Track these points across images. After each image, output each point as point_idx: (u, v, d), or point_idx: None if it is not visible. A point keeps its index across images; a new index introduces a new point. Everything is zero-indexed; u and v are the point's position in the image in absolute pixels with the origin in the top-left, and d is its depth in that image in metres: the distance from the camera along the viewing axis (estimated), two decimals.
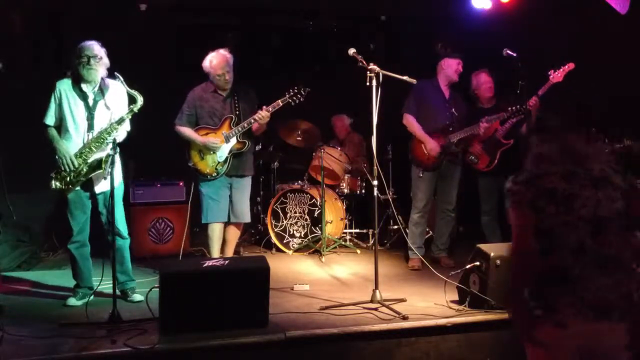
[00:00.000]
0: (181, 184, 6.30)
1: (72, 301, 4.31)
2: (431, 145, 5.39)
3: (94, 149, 4.22)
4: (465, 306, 3.98)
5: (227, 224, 5.16)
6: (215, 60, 4.96)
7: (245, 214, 5.20)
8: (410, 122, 5.50)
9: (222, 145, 4.99)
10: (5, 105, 5.63)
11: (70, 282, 4.55)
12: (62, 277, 5.08)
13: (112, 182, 3.90)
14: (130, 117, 4.27)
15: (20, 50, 5.98)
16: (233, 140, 5.01)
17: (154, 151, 6.43)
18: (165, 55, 6.85)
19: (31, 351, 3.27)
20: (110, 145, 4.07)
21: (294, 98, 4.94)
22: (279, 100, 4.94)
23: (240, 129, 4.96)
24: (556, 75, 5.12)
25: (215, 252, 5.12)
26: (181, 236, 6.07)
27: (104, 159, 4.17)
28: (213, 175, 5.01)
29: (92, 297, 4.33)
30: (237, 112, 5.04)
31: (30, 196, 5.88)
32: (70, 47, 6.35)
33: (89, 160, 4.23)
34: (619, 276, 2.20)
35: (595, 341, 2.20)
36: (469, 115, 5.54)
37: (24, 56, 6.03)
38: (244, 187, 5.17)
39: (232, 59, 5.01)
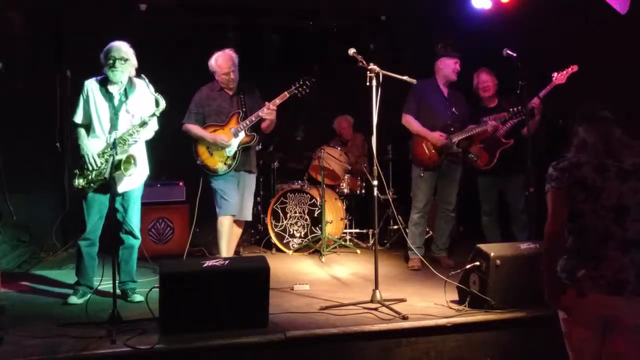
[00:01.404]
0: (181, 184, 6.30)
1: (73, 299, 4.32)
2: (435, 137, 5.37)
3: (119, 153, 4.20)
4: (465, 306, 3.98)
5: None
6: (221, 59, 5.04)
7: (247, 213, 5.25)
8: (410, 121, 5.49)
9: (232, 140, 5.03)
10: (5, 105, 5.63)
11: (70, 281, 4.55)
12: (62, 277, 5.08)
13: (111, 180, 3.89)
14: (151, 120, 4.30)
15: (20, 50, 5.98)
16: (241, 135, 5.06)
17: (154, 151, 6.42)
18: (165, 55, 6.85)
19: (31, 351, 3.26)
20: (133, 146, 4.17)
21: (300, 89, 4.99)
22: (286, 92, 5.00)
23: (248, 122, 5.02)
24: (559, 77, 5.13)
25: (224, 245, 5.11)
26: (181, 236, 6.09)
27: (123, 159, 4.18)
28: (223, 170, 5.05)
29: (91, 296, 4.34)
30: (244, 109, 5.10)
31: (30, 196, 5.89)
32: (70, 47, 6.39)
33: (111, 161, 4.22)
34: (637, 256, 2.54)
35: (617, 312, 2.56)
36: (472, 114, 5.53)
37: (24, 56, 6.03)
38: (251, 184, 5.24)
39: (237, 58, 5.08)
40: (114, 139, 4.14)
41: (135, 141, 4.31)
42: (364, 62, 4.27)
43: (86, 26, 6.15)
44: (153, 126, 4.43)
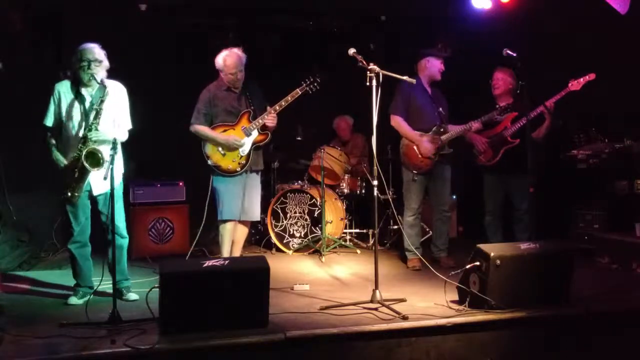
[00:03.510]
0: (181, 184, 6.30)
1: (74, 300, 4.32)
2: (426, 147, 5.37)
3: (83, 151, 4.14)
4: (465, 306, 3.98)
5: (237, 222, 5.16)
6: (230, 59, 5.00)
7: (255, 212, 5.22)
8: (400, 123, 5.46)
9: (244, 140, 5.01)
10: (5, 105, 5.63)
11: (70, 282, 4.55)
12: (62, 277, 5.08)
13: (112, 182, 3.88)
14: (102, 107, 4.16)
15: (20, 50, 5.98)
16: (254, 133, 5.05)
17: (154, 151, 6.42)
18: (165, 55, 6.85)
19: (31, 351, 3.26)
20: (106, 145, 4.08)
21: (311, 87, 5.02)
22: (298, 89, 5.01)
23: (261, 120, 5.02)
24: (575, 84, 5.16)
25: (226, 250, 5.11)
26: (181, 236, 6.09)
27: (83, 156, 4.07)
28: (237, 171, 5.03)
29: (91, 297, 4.34)
30: (252, 107, 5.10)
31: (30, 196, 5.88)
32: (70, 47, 6.37)
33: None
34: None
35: None
36: (482, 111, 5.51)
37: (24, 56, 6.03)
38: (257, 183, 5.22)
39: (245, 58, 5.05)
40: (94, 138, 4.12)
41: (98, 137, 4.16)
42: (364, 62, 4.26)
43: (86, 26, 6.15)
44: (122, 123, 4.36)
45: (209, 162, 5.04)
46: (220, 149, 5.02)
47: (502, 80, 5.55)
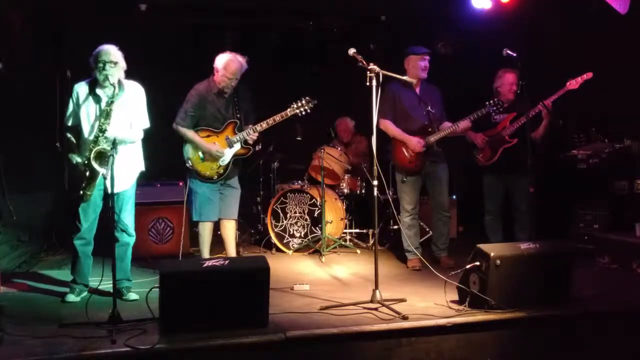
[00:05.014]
0: (181, 184, 6.29)
1: (71, 297, 4.35)
2: (413, 143, 5.34)
3: (93, 151, 4.18)
4: (465, 306, 3.98)
5: (220, 222, 5.23)
6: (232, 65, 4.96)
7: (233, 212, 5.24)
8: (388, 126, 5.45)
9: (225, 150, 5.03)
10: (5, 105, 5.63)
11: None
12: (62, 277, 5.08)
13: (112, 181, 3.87)
14: (112, 108, 4.20)
15: (20, 51, 5.97)
16: (237, 146, 5.07)
17: (153, 151, 6.41)
18: (165, 55, 6.85)
19: (31, 351, 3.26)
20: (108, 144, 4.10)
21: (301, 110, 5.04)
22: (287, 110, 5.04)
23: (245, 134, 5.03)
24: (573, 83, 5.17)
25: (206, 250, 5.19)
26: (181, 236, 6.08)
27: (92, 157, 4.12)
28: (213, 179, 5.07)
29: (86, 294, 4.38)
30: (239, 116, 5.10)
31: (30, 196, 5.88)
32: (70, 47, 6.38)
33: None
34: None
35: None
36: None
37: (24, 56, 6.02)
38: (235, 185, 5.24)
39: (246, 67, 5.03)
40: (106, 138, 4.13)
41: (109, 136, 4.16)
42: (364, 62, 4.26)
43: (86, 26, 6.15)
44: (137, 122, 4.41)
45: (187, 163, 5.08)
46: (200, 153, 5.05)
47: (516, 84, 5.50)
